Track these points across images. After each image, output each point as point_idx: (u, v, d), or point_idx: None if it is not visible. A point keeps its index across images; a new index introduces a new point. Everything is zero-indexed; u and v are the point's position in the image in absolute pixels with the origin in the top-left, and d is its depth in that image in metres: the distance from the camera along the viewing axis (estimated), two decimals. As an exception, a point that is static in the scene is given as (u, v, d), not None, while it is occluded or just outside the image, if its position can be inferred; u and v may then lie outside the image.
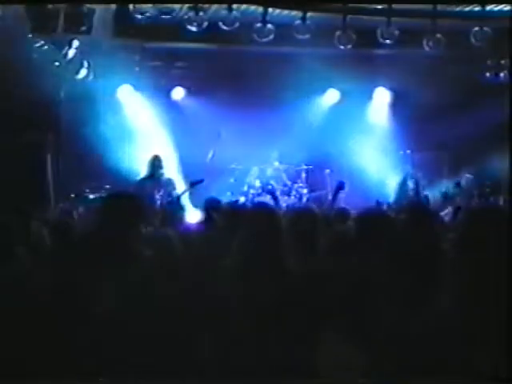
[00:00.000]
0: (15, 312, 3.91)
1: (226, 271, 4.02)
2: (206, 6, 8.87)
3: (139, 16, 8.81)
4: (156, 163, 9.88)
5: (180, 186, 10.05)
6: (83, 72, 10.45)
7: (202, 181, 9.46)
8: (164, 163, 10.04)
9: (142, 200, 5.17)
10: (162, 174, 9.80)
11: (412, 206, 5.06)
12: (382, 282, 4.07)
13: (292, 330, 3.83)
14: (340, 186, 7.59)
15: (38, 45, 9.43)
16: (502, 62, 10.75)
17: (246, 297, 3.88)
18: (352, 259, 4.27)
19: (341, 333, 3.86)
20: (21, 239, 4.45)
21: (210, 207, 6.29)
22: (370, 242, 4.31)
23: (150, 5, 8.78)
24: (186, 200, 9.48)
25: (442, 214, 8.11)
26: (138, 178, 9.94)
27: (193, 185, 9.48)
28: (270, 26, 9.11)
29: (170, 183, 9.74)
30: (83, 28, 8.84)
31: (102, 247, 4.04)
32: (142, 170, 10.01)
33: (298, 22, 9.17)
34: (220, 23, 8.87)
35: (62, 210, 8.02)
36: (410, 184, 9.16)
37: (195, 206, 9.82)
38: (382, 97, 12.44)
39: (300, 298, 3.91)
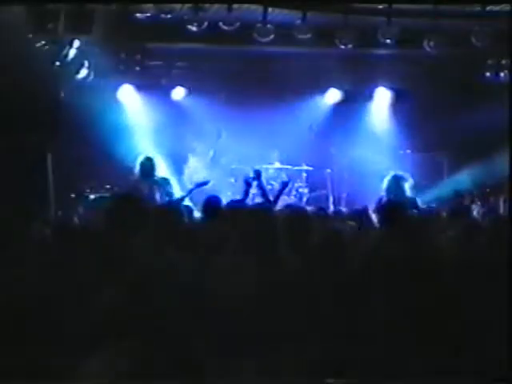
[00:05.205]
0: (15, 312, 3.91)
1: (226, 270, 4.03)
2: (206, 5, 8.89)
3: (139, 16, 8.81)
4: (147, 164, 9.55)
5: (177, 186, 9.94)
6: (83, 72, 10.45)
7: (207, 183, 9.43)
8: (156, 163, 9.68)
9: (144, 201, 5.13)
10: (154, 175, 9.53)
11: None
12: (374, 285, 4.08)
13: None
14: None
15: (38, 45, 9.42)
16: (502, 62, 10.74)
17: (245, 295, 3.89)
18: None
19: (339, 333, 3.87)
20: (22, 239, 4.46)
21: (210, 206, 6.30)
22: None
23: (150, 5, 8.79)
24: (188, 200, 9.39)
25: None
26: (133, 179, 9.67)
27: (198, 186, 9.41)
28: (269, 26, 9.14)
29: (166, 183, 9.55)
30: (84, 28, 8.84)
31: (105, 249, 4.05)
32: (136, 171, 9.75)
33: (298, 21, 9.21)
34: (220, 23, 8.89)
35: (63, 210, 8.03)
36: (403, 186, 9.07)
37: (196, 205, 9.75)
38: (382, 97, 12.42)
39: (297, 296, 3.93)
